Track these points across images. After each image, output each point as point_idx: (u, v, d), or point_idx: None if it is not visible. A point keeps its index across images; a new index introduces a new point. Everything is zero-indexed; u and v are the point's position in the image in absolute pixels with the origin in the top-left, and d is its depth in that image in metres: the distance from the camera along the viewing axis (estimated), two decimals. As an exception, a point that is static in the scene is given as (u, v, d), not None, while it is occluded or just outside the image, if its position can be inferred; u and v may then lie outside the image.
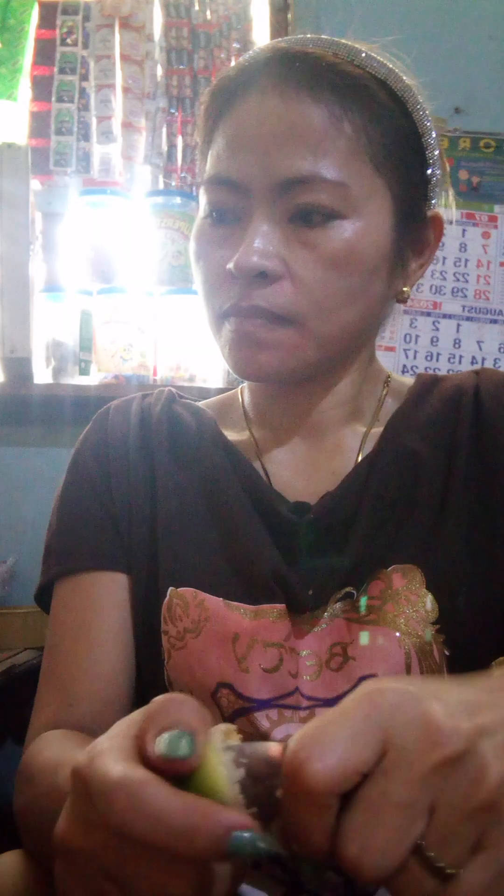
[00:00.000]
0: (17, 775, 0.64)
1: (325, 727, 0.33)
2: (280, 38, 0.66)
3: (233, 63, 2.09)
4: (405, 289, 0.70)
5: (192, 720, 0.35)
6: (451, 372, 1.84)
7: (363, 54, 0.65)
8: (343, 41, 0.66)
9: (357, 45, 0.65)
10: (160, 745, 0.33)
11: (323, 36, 0.66)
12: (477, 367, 0.73)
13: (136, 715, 0.38)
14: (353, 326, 0.66)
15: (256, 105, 0.63)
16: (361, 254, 0.63)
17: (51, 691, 0.69)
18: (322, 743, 0.32)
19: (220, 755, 0.35)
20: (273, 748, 0.35)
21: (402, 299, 0.71)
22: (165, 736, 0.34)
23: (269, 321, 0.63)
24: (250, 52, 0.68)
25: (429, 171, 0.69)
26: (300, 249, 0.62)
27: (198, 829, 0.32)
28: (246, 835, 0.32)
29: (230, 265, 0.62)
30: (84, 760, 0.36)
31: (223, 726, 0.37)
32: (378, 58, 0.66)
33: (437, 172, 0.69)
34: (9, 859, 0.61)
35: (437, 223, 0.71)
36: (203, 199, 0.67)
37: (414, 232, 0.69)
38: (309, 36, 0.66)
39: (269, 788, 0.34)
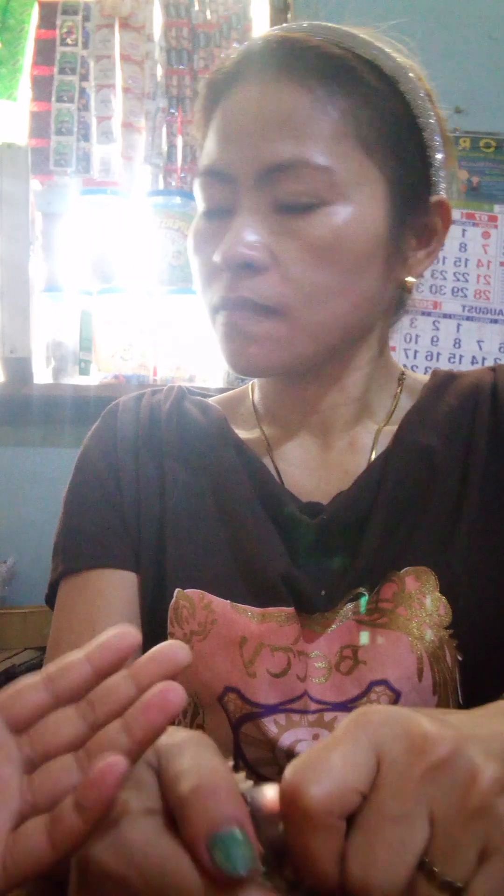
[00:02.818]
0: None
1: (317, 753, 0.33)
2: (271, 28, 0.67)
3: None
4: (409, 279, 0.68)
5: (233, 811, 0.33)
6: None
7: (348, 35, 0.63)
8: (329, 24, 0.64)
9: (343, 27, 0.64)
10: (217, 856, 0.31)
11: (310, 22, 0.65)
12: (493, 364, 0.71)
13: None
14: (347, 317, 0.64)
15: (241, 95, 0.63)
16: (351, 241, 0.61)
17: None
18: (315, 767, 0.32)
19: None
20: (273, 788, 0.34)
21: (407, 289, 0.69)
22: (220, 844, 0.32)
23: (257, 313, 0.62)
24: (243, 44, 0.67)
25: (429, 154, 0.66)
26: (286, 239, 0.61)
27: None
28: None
29: (216, 257, 0.62)
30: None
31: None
32: (366, 38, 0.64)
33: (439, 156, 0.67)
34: None
35: (444, 209, 0.68)
36: (196, 194, 0.67)
37: (416, 218, 0.66)
38: (296, 24, 0.66)
39: (275, 829, 0.34)
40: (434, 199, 0.68)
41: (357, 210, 0.61)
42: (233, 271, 0.61)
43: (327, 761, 0.32)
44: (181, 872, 0.32)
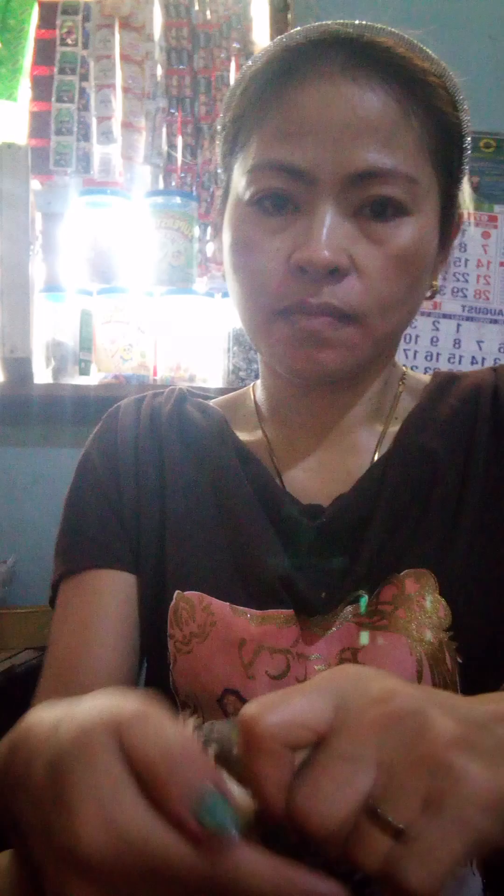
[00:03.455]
0: None
1: (280, 692, 0.35)
2: (327, 21, 0.62)
3: (232, 62, 2.08)
4: (434, 282, 0.69)
5: (207, 776, 0.33)
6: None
7: (422, 49, 0.63)
8: (400, 32, 0.63)
9: (413, 39, 0.63)
10: (204, 818, 0.32)
11: (374, 24, 0.63)
12: (495, 365, 0.71)
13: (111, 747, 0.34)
14: (403, 324, 0.65)
15: (324, 90, 0.59)
16: (421, 251, 0.62)
17: (49, 686, 0.69)
18: (274, 701, 0.35)
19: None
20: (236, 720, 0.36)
21: (433, 294, 0.69)
22: (203, 806, 0.32)
23: (338, 319, 0.60)
24: (292, 33, 0.63)
25: (463, 170, 0.68)
26: (367, 244, 0.60)
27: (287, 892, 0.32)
28: None
29: (297, 259, 0.59)
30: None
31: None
32: (432, 53, 0.64)
33: (466, 170, 0.69)
34: (3, 860, 0.61)
35: (460, 221, 0.70)
36: (246, 184, 0.62)
37: (447, 229, 0.68)
38: (361, 22, 0.63)
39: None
40: (458, 212, 0.69)
41: (427, 221, 0.62)
42: (317, 276, 0.59)
43: (286, 697, 0.35)
44: (169, 847, 0.32)
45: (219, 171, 0.71)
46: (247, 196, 0.63)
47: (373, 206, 0.60)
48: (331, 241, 0.59)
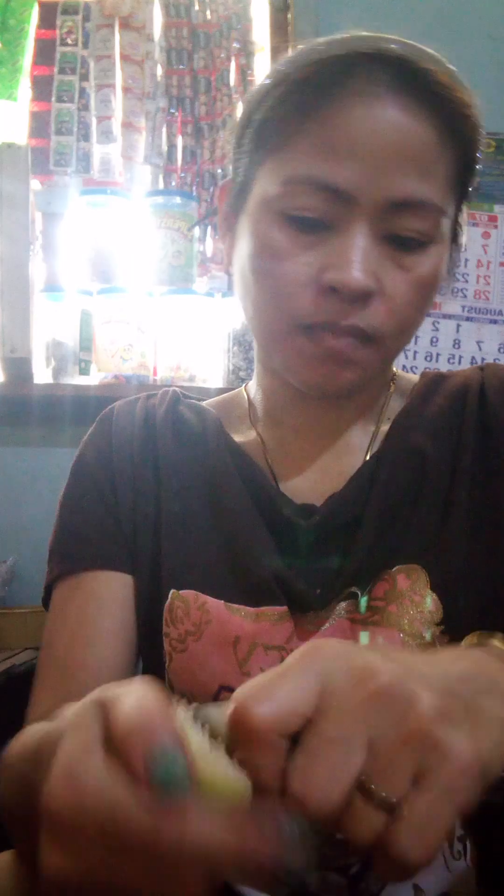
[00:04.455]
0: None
1: (265, 677, 0.35)
2: (377, 36, 0.60)
3: (232, 62, 2.07)
4: None
5: (166, 736, 0.34)
6: (451, 372, 1.82)
7: (459, 77, 0.62)
8: (437, 55, 0.61)
9: (445, 61, 0.62)
10: (157, 775, 0.33)
11: (420, 46, 0.61)
12: (482, 364, 0.73)
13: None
14: (409, 341, 0.67)
15: (371, 111, 0.58)
16: (439, 276, 0.63)
17: (46, 687, 0.69)
18: (261, 689, 0.35)
19: (188, 729, 0.36)
20: (222, 707, 0.37)
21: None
22: (158, 762, 0.33)
23: (361, 340, 0.61)
24: (337, 41, 0.60)
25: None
26: (393, 270, 0.61)
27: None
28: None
29: (331, 280, 0.59)
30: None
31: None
32: (459, 76, 0.63)
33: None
34: (3, 859, 0.61)
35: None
36: (279, 195, 0.61)
37: (454, 247, 0.69)
38: (410, 42, 0.61)
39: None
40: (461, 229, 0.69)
41: (444, 246, 0.64)
42: (348, 298, 0.59)
43: (274, 685, 0.35)
44: (121, 804, 0.33)
45: (238, 166, 0.67)
46: (279, 206, 0.61)
47: (404, 234, 0.60)
48: (365, 265, 0.59)
